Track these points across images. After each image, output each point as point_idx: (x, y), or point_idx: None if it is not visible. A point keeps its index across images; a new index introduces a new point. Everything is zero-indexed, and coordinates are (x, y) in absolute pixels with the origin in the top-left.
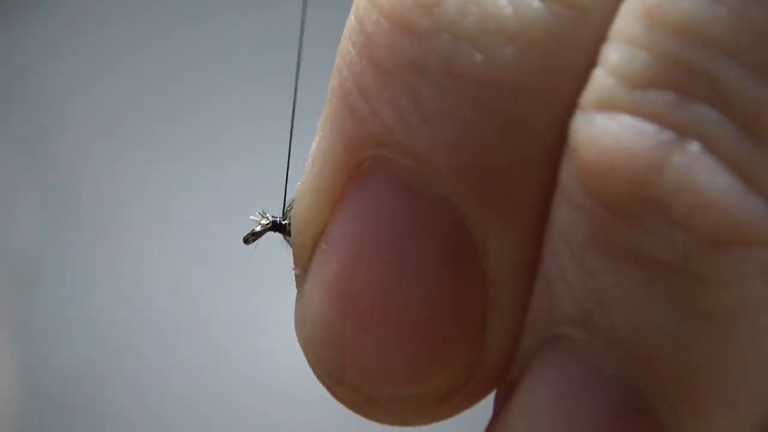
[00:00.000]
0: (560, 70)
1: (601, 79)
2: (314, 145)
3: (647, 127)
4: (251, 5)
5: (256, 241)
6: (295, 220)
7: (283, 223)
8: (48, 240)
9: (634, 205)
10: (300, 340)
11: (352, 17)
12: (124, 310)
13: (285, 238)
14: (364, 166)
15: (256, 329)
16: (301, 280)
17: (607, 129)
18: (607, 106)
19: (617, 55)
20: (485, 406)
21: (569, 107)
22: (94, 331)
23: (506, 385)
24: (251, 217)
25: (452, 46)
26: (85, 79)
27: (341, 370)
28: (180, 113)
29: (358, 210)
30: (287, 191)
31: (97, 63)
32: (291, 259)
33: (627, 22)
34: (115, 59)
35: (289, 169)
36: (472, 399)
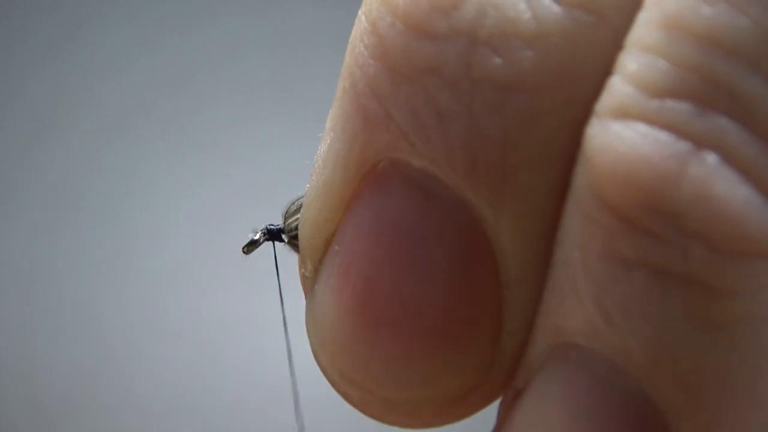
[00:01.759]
0: (577, 74)
1: (618, 87)
2: (324, 146)
3: (664, 137)
4: (253, 6)
5: (255, 250)
6: (306, 222)
7: (281, 230)
8: (48, 240)
9: (649, 214)
10: (312, 343)
11: (363, 18)
12: (124, 310)
13: (286, 245)
14: (379, 169)
15: (257, 330)
16: (311, 282)
17: (623, 137)
18: (624, 114)
19: (635, 63)
20: (489, 412)
21: (585, 113)
22: (94, 330)
23: (512, 392)
24: (250, 235)
25: (470, 49)
26: (85, 79)
27: (355, 371)
28: (181, 113)
29: (373, 212)
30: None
31: (98, 63)
32: (292, 262)
33: (646, 30)
34: (116, 59)
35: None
36: (486, 400)
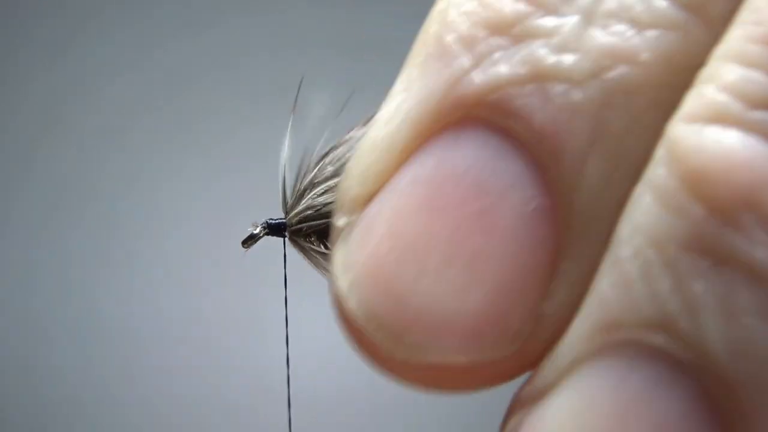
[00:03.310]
0: (678, 66)
1: (712, 94)
2: (392, 104)
3: (761, 144)
4: (252, 7)
5: (254, 244)
6: (357, 171)
7: (282, 224)
8: (48, 240)
9: (746, 213)
10: (340, 287)
11: None
12: (124, 310)
13: (288, 239)
14: (454, 121)
15: (257, 329)
16: (346, 231)
17: (720, 140)
18: (720, 119)
19: (733, 74)
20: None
21: (670, 106)
22: (94, 330)
23: (539, 385)
24: (249, 228)
25: (585, 25)
26: (85, 79)
27: (389, 310)
28: (180, 113)
29: (439, 161)
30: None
31: (97, 63)
32: (292, 260)
33: (743, 43)
34: (117, 60)
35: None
36: (505, 376)
